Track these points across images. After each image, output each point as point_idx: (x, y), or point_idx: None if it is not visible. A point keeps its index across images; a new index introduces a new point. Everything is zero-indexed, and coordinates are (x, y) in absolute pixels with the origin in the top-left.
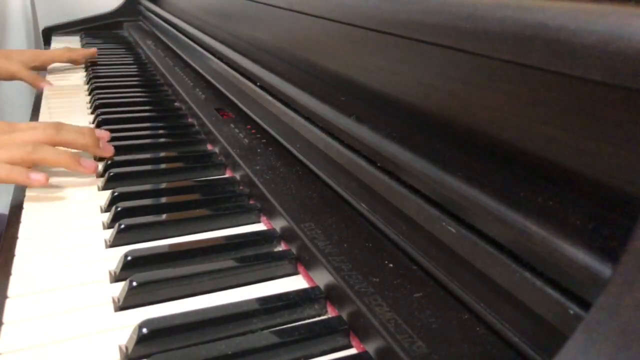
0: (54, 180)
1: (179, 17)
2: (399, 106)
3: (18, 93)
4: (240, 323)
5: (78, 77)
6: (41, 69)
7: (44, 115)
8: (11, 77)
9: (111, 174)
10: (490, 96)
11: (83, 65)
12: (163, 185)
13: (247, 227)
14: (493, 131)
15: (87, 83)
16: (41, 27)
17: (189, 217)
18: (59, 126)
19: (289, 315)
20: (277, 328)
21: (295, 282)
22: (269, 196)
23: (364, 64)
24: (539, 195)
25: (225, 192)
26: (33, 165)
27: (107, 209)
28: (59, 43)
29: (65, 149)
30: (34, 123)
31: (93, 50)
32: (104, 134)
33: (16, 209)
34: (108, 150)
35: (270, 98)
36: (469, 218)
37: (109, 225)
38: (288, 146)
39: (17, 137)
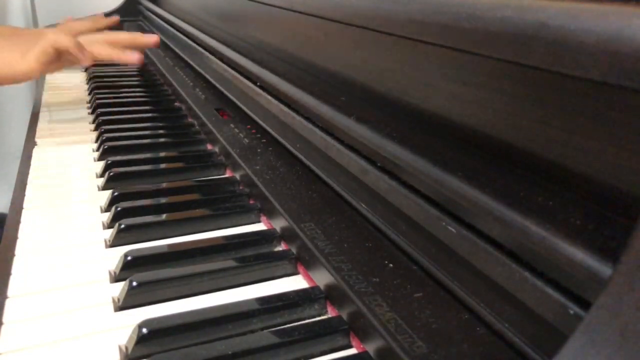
0: (54, 180)
1: (179, 17)
2: (399, 106)
3: (18, 92)
4: (240, 323)
5: (78, 77)
6: None
7: (44, 114)
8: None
9: (111, 174)
10: (490, 96)
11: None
12: (163, 185)
13: (247, 227)
14: (493, 131)
15: (87, 83)
16: (41, 27)
17: (188, 217)
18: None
19: (289, 315)
20: (277, 328)
21: (295, 282)
22: (269, 196)
23: (364, 64)
24: (539, 195)
25: (225, 192)
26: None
27: (107, 209)
28: None
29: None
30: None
31: (115, 18)
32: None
33: (16, 209)
34: (152, 37)
35: (270, 98)
36: (469, 218)
37: (109, 225)
38: (288, 146)
39: (74, 25)
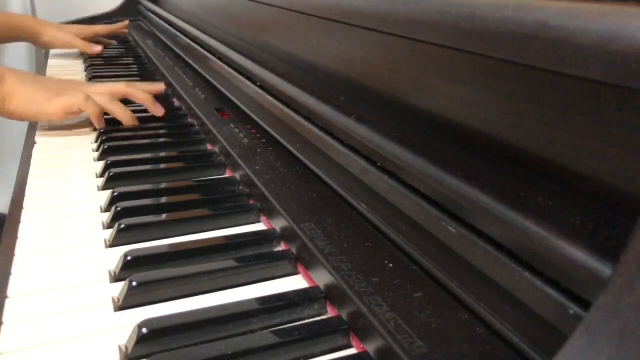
0: (54, 180)
1: (179, 17)
2: (399, 106)
3: None
4: (240, 323)
5: (78, 77)
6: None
7: None
8: (68, 46)
9: (111, 174)
10: (490, 96)
11: (83, 66)
12: (163, 185)
13: (247, 227)
14: (493, 131)
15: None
16: None
17: (189, 217)
18: (129, 84)
19: (289, 315)
20: (277, 328)
21: (295, 282)
22: (269, 196)
23: (364, 64)
24: (539, 195)
25: (225, 192)
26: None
27: (107, 209)
28: None
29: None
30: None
31: (126, 23)
32: (158, 86)
33: (16, 209)
34: (160, 110)
35: (270, 98)
36: (469, 218)
37: (109, 225)
38: (288, 146)
39: (97, 87)
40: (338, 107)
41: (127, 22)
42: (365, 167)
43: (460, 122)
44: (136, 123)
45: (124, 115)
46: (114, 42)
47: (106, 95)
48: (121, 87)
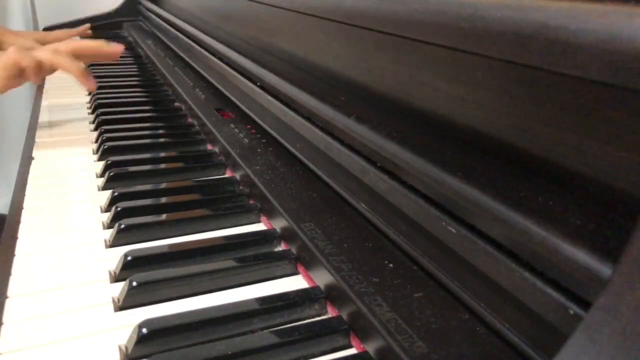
0: (54, 180)
1: (179, 17)
2: (399, 106)
3: (18, 92)
4: (240, 323)
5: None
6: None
7: (44, 114)
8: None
9: (111, 174)
10: (490, 96)
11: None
12: (163, 185)
13: (247, 227)
14: (493, 131)
15: None
16: (41, 27)
17: (189, 217)
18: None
19: (289, 315)
20: (277, 328)
21: (295, 282)
22: (269, 196)
23: (364, 64)
24: (539, 195)
25: (225, 192)
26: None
27: (107, 209)
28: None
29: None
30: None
31: (86, 25)
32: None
33: (16, 209)
34: (91, 85)
35: (270, 98)
36: (469, 218)
37: (109, 225)
38: (288, 146)
39: (37, 48)
40: (338, 107)
41: (87, 25)
42: (365, 167)
43: (460, 122)
44: (88, 78)
45: (72, 67)
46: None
47: (47, 50)
48: (64, 44)
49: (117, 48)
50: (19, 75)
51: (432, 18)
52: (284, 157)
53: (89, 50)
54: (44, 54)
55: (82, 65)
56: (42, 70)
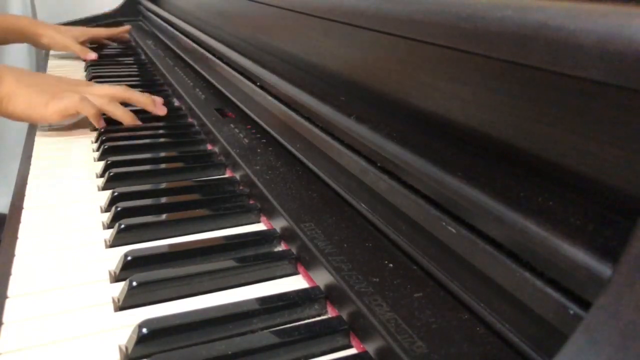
0: (54, 180)
1: (179, 17)
2: (399, 106)
3: None
4: (240, 323)
5: (78, 77)
6: (88, 43)
7: None
8: (64, 49)
9: (111, 174)
10: (490, 96)
11: (83, 65)
12: (163, 185)
13: (247, 227)
14: (493, 131)
15: None
16: None
17: (189, 217)
18: (127, 88)
19: (289, 315)
20: (277, 328)
21: (295, 282)
22: (269, 196)
23: (364, 64)
24: (539, 195)
25: (225, 192)
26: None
27: (107, 209)
28: None
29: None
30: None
31: (127, 27)
32: (158, 99)
33: (16, 209)
34: (162, 110)
35: (270, 98)
36: (469, 218)
37: (109, 225)
38: (288, 146)
39: (95, 89)
40: (338, 107)
41: (128, 27)
42: (365, 167)
43: (460, 122)
44: (137, 122)
45: (124, 116)
46: (114, 43)
47: (105, 97)
48: (119, 91)
49: (162, 109)
50: (75, 115)
51: (432, 18)
52: (284, 157)
53: (139, 104)
54: (102, 102)
55: (148, 98)
56: (100, 122)
